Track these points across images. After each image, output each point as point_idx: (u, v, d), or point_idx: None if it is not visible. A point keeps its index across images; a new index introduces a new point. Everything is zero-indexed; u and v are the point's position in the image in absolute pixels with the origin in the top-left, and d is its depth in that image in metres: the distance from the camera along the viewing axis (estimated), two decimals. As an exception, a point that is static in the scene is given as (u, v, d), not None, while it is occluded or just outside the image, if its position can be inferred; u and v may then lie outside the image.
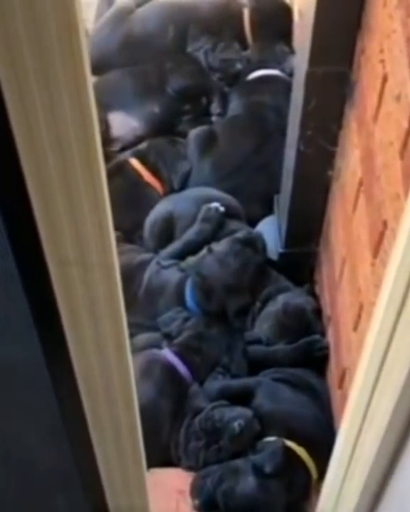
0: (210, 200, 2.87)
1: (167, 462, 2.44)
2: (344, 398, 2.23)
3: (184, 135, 3.22)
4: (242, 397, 2.45)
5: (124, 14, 3.55)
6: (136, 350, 2.62)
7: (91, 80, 0.94)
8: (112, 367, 1.38)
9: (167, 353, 2.51)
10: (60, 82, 0.90)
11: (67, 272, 1.15)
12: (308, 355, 2.56)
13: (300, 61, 2.13)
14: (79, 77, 0.89)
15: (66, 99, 0.93)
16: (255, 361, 2.58)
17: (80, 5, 0.86)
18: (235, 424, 2.33)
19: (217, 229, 2.81)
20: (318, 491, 2.18)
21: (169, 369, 2.47)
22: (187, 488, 2.36)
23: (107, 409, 1.53)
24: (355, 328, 2.11)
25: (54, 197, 1.01)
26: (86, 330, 1.29)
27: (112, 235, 1.14)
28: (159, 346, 2.59)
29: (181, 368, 2.48)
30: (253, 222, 2.95)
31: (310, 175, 2.39)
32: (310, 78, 2.07)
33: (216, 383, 2.49)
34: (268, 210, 2.94)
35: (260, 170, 3.02)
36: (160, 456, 2.43)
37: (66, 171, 0.97)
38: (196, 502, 2.30)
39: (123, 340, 1.35)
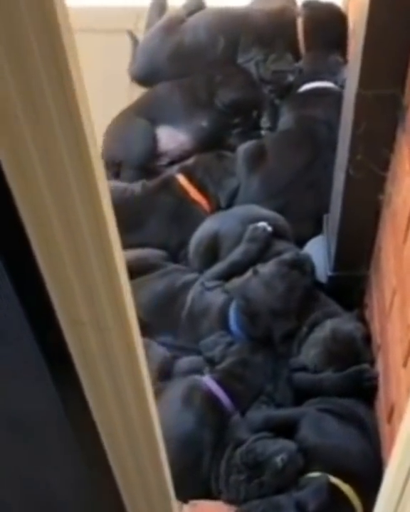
0: (257, 219, 2.78)
1: (208, 494, 2.36)
2: (393, 433, 2.12)
3: (233, 149, 3.13)
4: (286, 429, 2.36)
5: (175, 24, 3.47)
6: (178, 374, 2.55)
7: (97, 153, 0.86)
8: (135, 422, 1.30)
9: (208, 381, 2.43)
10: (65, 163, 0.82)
11: (80, 332, 1.08)
12: (357, 384, 2.45)
13: (350, 82, 2.02)
14: (83, 156, 0.81)
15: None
16: (301, 390, 2.48)
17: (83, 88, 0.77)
18: (278, 459, 2.23)
19: (264, 249, 2.72)
20: (364, 530, 2.08)
21: (210, 398, 2.39)
22: (227, 522, 2.28)
23: (131, 457, 1.45)
24: (405, 364, 2.00)
25: (63, 260, 0.94)
26: (107, 391, 1.22)
27: (128, 296, 1.07)
28: (201, 371, 2.51)
29: (223, 397, 2.39)
30: (301, 242, 2.85)
31: (360, 199, 2.29)
32: (360, 100, 1.96)
33: (258, 413, 2.39)
34: (318, 229, 2.84)
35: (310, 187, 2.92)
36: (200, 488, 2.35)
37: (75, 240, 0.90)
38: (236, 539, 2.22)
39: (144, 397, 1.28)
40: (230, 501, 2.32)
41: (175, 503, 1.70)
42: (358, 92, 1.94)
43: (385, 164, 2.09)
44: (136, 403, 1.31)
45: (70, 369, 1.16)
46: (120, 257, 1.02)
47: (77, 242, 0.93)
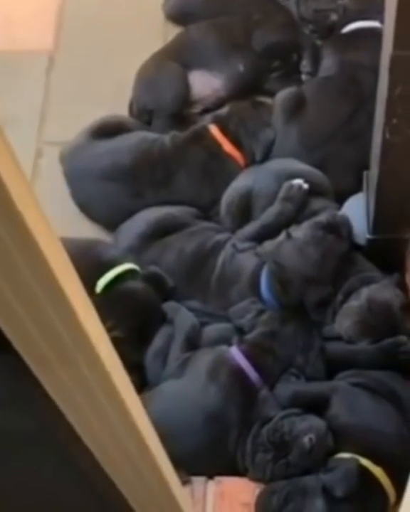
0: (293, 175, 2.61)
1: (234, 471, 2.27)
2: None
3: (272, 94, 2.92)
4: (316, 405, 2.24)
5: None
6: (205, 343, 2.44)
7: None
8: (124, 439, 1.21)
9: (236, 354, 2.30)
10: None
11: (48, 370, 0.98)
12: (393, 358, 2.31)
13: (386, 42, 1.82)
14: None
15: None
16: (333, 361, 2.35)
17: None
18: (306, 439, 2.13)
19: (299, 209, 2.55)
20: (396, 513, 1.97)
21: (237, 373, 2.27)
22: (253, 500, 2.20)
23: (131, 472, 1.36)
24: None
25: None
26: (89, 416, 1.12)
27: (93, 328, 0.96)
28: (229, 340, 2.39)
29: (250, 372, 2.27)
30: (342, 198, 2.67)
31: (398, 162, 2.10)
32: (396, 62, 1.77)
33: (287, 388, 2.27)
34: (360, 185, 2.65)
35: (353, 139, 2.72)
36: (227, 465, 2.27)
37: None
38: (261, 521, 2.13)
39: (132, 422, 1.17)
40: (256, 479, 2.23)
41: (177, 489, 1.59)
42: (393, 54, 1.74)
43: (424, 131, 1.90)
44: (124, 428, 1.21)
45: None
46: (77, 297, 0.89)
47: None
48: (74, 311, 0.92)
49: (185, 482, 2.25)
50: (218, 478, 2.27)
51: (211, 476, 2.27)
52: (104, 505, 1.52)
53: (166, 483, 1.47)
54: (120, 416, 1.18)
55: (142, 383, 2.46)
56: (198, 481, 2.27)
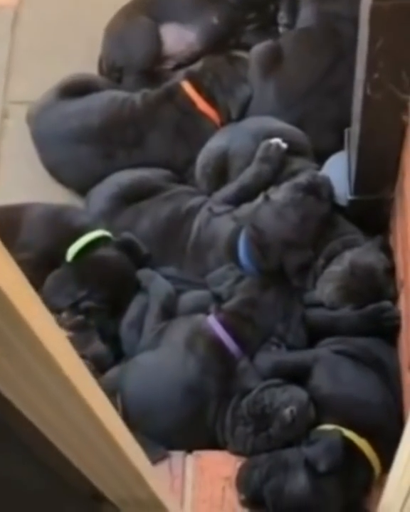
0: (271, 134, 2.48)
1: (214, 444, 2.19)
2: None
3: (248, 48, 2.78)
4: (297, 375, 2.15)
5: None
6: (181, 311, 2.34)
7: None
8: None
9: (214, 323, 2.21)
10: None
11: None
12: (377, 324, 2.22)
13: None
14: None
15: None
16: (315, 329, 2.25)
17: None
18: (287, 411, 2.04)
19: (278, 170, 2.44)
20: (382, 485, 1.89)
21: (215, 343, 2.18)
22: (234, 474, 2.12)
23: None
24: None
25: None
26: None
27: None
28: (206, 309, 2.29)
29: (229, 342, 2.18)
30: (323, 157, 2.55)
31: (380, 119, 1.99)
32: (376, 13, 1.64)
33: (268, 358, 2.18)
34: (341, 143, 2.53)
35: (333, 94, 2.59)
36: (205, 438, 2.18)
37: None
38: (242, 497, 2.05)
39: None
40: (236, 453, 2.15)
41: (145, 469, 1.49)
42: (373, 4, 1.61)
43: (406, 86, 1.78)
44: (62, 392, 1.07)
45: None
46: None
47: None
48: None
49: (163, 457, 2.18)
50: (197, 452, 2.19)
51: (189, 450, 2.19)
52: (63, 483, 1.42)
53: (122, 452, 1.37)
54: (57, 382, 1.06)
55: (118, 354, 2.38)
56: (176, 455, 2.19)
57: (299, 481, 1.98)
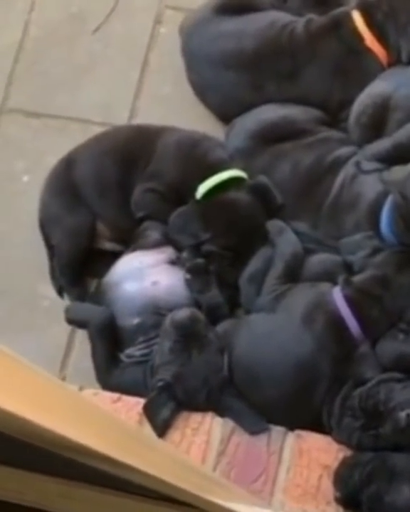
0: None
1: (319, 427, 2.02)
2: None
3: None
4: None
5: None
6: (307, 275, 2.14)
7: None
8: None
9: (338, 298, 2.00)
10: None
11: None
12: None
13: None
14: None
15: None
16: None
17: None
18: (403, 415, 1.84)
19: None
20: None
21: (336, 321, 1.98)
22: (334, 464, 1.95)
23: None
24: None
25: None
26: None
27: None
28: (334, 277, 2.08)
29: (351, 322, 1.97)
30: None
31: None
32: None
33: (393, 347, 1.97)
34: None
35: None
36: (309, 419, 2.02)
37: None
38: (338, 494, 1.89)
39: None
40: (341, 441, 1.97)
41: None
42: None
43: None
44: None
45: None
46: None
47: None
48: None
49: (262, 430, 2.03)
50: (298, 432, 2.02)
51: (291, 428, 2.04)
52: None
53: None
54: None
55: (234, 304, 2.23)
56: (277, 431, 2.03)
57: (403, 493, 1.80)
